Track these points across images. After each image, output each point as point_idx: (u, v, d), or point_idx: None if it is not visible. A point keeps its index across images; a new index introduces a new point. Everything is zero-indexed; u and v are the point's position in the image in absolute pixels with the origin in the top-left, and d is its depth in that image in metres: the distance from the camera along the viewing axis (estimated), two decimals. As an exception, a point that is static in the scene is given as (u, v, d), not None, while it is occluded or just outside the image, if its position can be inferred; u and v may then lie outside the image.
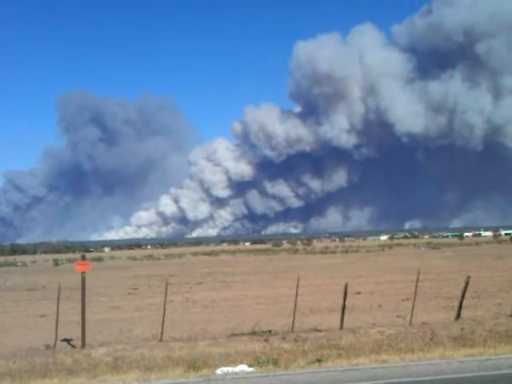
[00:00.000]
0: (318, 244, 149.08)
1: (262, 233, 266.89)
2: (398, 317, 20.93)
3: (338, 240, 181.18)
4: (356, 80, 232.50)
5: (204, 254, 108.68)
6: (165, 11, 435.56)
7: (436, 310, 22.63)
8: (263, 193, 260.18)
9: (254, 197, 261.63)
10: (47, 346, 16.96)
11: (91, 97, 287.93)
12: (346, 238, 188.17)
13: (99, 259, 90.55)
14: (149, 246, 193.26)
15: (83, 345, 16.81)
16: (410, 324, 18.71)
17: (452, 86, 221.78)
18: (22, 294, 37.01)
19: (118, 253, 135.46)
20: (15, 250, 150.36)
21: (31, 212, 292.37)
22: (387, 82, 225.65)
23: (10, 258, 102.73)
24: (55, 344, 17.08)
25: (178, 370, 13.52)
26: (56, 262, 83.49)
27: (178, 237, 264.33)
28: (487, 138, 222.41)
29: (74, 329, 18.96)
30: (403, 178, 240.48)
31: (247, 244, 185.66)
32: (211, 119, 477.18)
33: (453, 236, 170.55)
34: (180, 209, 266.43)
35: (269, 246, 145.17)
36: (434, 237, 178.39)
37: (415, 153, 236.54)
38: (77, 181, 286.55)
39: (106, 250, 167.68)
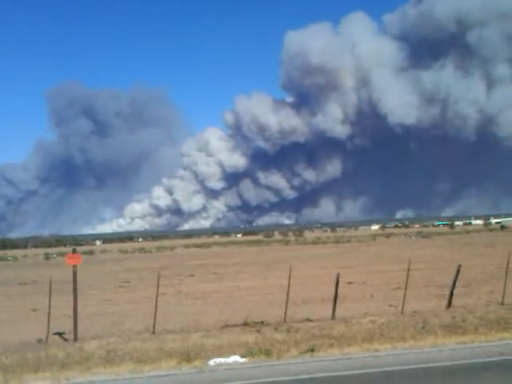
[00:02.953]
0: (309, 235, 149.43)
1: (254, 224, 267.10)
2: (389, 306, 21.02)
3: (329, 230, 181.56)
4: (348, 70, 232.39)
5: (196, 246, 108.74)
6: (154, 2, 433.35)
7: (427, 299, 22.73)
8: (257, 183, 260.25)
9: (247, 187, 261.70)
10: (39, 340, 16.92)
11: (82, 89, 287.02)
12: (338, 229, 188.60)
13: (90, 253, 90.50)
14: (140, 239, 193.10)
15: (75, 338, 16.80)
16: (402, 313, 18.80)
17: (444, 76, 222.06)
18: (13, 288, 36.94)
19: (109, 246, 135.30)
20: (6, 244, 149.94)
21: (24, 205, 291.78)
22: (379, 72, 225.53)
23: (1, 253, 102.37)
24: (47, 338, 17.05)
25: (171, 361, 13.53)
26: (47, 256, 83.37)
27: (172, 228, 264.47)
28: (480, 129, 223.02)
29: (66, 322, 18.94)
30: (396, 167, 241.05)
31: (239, 236, 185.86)
32: (202, 109, 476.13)
33: (443, 225, 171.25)
34: (174, 200, 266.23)
35: (260, 237, 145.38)
36: (425, 226, 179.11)
37: (408, 143, 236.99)
38: (69, 174, 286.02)
39: (98, 243, 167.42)
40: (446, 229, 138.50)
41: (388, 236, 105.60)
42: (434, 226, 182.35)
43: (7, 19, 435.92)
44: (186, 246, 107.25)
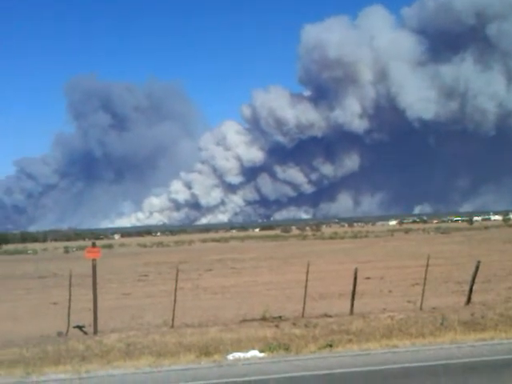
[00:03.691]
0: (327, 229, 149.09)
1: (272, 219, 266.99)
2: (408, 302, 20.94)
3: (347, 225, 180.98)
4: (366, 64, 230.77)
5: (213, 240, 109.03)
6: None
7: (446, 295, 22.62)
8: (274, 178, 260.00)
9: (265, 182, 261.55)
10: (59, 333, 17.07)
11: (99, 82, 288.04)
12: (355, 224, 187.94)
13: (109, 246, 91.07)
14: (158, 233, 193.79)
15: (95, 331, 16.94)
16: (421, 309, 18.73)
17: (463, 70, 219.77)
18: (33, 281, 37.32)
19: (127, 240, 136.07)
20: (26, 238, 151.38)
21: (43, 199, 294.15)
22: (397, 66, 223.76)
23: (21, 246, 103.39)
24: (67, 331, 17.20)
25: (190, 355, 13.60)
26: (66, 250, 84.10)
27: (190, 222, 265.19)
28: (499, 123, 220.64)
29: (85, 315, 19.11)
30: (414, 162, 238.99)
31: (256, 230, 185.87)
32: (220, 103, 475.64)
33: (462, 220, 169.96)
34: (192, 195, 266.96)
35: (278, 232, 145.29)
36: (444, 221, 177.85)
37: (427, 137, 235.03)
38: (88, 167, 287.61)
39: (116, 237, 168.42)
40: (465, 224, 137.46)
41: (407, 231, 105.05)
42: (452, 221, 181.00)
43: (25, 15, 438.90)
44: (204, 241, 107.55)
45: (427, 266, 19.96)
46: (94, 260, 17.52)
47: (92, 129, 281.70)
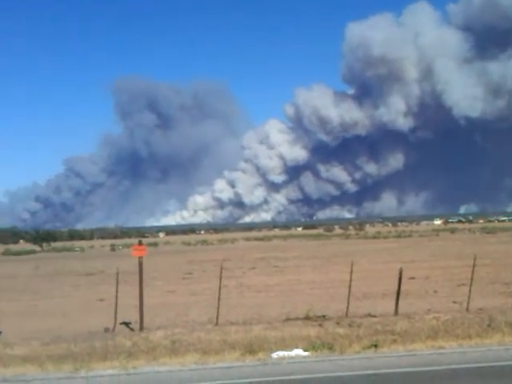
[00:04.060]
0: (370, 229, 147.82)
1: (315, 218, 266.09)
2: (453, 302, 20.65)
3: (390, 225, 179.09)
4: (411, 61, 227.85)
5: (256, 239, 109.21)
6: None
7: (493, 296, 22.23)
8: (318, 177, 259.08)
9: (308, 181, 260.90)
10: (106, 330, 17.38)
11: (145, 82, 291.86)
12: (399, 223, 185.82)
13: (154, 244, 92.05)
14: (202, 232, 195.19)
15: (141, 328, 17.19)
16: (467, 310, 18.47)
17: (511, 66, 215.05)
18: (81, 278, 38.04)
19: (172, 238, 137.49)
20: (73, 235, 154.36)
21: (91, 197, 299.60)
22: (443, 63, 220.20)
23: (68, 244, 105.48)
24: (114, 327, 17.50)
25: (235, 353, 13.71)
26: (113, 247, 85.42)
27: (234, 220, 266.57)
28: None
29: (131, 312, 19.40)
30: (460, 160, 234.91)
31: (299, 229, 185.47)
32: (263, 102, 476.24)
33: (509, 220, 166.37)
34: (236, 193, 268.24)
35: (321, 231, 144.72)
36: (490, 221, 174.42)
37: (473, 135, 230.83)
38: (134, 166, 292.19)
39: (161, 235, 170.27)
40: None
41: (453, 231, 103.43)
42: (498, 221, 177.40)
43: (76, 16, 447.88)
44: (247, 239, 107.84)
45: (474, 266, 19.64)
46: (140, 258, 17.78)
47: (138, 128, 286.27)
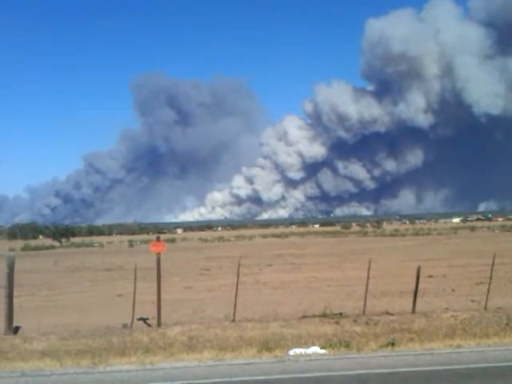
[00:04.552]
0: (388, 226, 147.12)
1: (332, 215, 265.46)
2: (472, 301, 20.53)
3: (408, 222, 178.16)
4: (432, 57, 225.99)
5: (273, 236, 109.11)
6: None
7: (512, 295, 22.06)
8: (336, 173, 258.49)
9: (326, 177, 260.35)
10: (124, 325, 17.46)
11: (165, 79, 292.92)
12: (417, 221, 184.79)
13: (172, 240, 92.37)
14: (219, 228, 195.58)
15: (159, 324, 17.27)
16: (485, 308, 18.33)
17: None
18: (99, 274, 38.28)
19: (189, 234, 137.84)
20: (92, 231, 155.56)
21: (110, 193, 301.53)
22: (464, 60, 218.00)
23: (88, 239, 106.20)
24: (132, 323, 17.58)
25: (251, 350, 13.73)
26: (131, 243, 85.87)
27: (251, 217, 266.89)
28: None
29: (149, 308, 19.52)
30: (480, 158, 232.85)
31: (316, 226, 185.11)
32: (282, 98, 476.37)
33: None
34: (254, 190, 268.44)
35: (338, 228, 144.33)
36: (509, 219, 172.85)
37: (493, 132, 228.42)
38: (153, 162, 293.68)
39: (179, 231, 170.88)
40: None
41: (473, 229, 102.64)
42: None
43: (97, 12, 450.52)
44: (264, 236, 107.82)
45: (493, 264, 19.48)
46: (158, 254, 17.87)
47: (157, 125, 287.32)
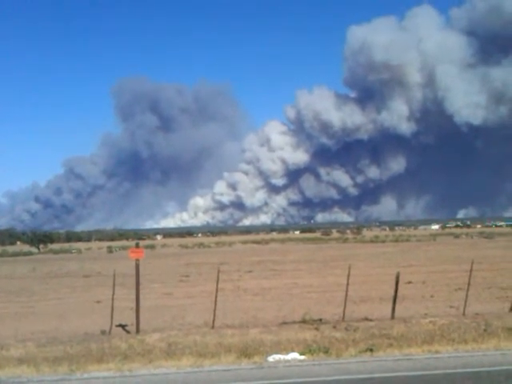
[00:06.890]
0: (367, 233, 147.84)
1: (312, 221, 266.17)
2: (450, 307, 20.68)
3: (388, 229, 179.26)
4: (414, 66, 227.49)
5: (254, 242, 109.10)
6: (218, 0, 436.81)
7: (490, 301, 22.23)
8: (319, 179, 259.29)
9: (308, 183, 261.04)
10: (103, 332, 17.36)
11: (147, 84, 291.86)
12: (397, 227, 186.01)
13: (152, 247, 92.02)
14: (200, 235, 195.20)
15: (137, 330, 17.17)
16: (463, 314, 18.46)
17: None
18: (78, 280, 37.97)
19: (169, 241, 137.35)
20: (71, 237, 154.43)
21: (91, 199, 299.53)
22: (446, 68, 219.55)
23: (66, 245, 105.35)
24: (110, 329, 17.47)
25: (231, 356, 13.69)
26: (110, 250, 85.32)
27: (234, 223, 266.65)
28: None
29: (128, 315, 19.40)
30: (460, 165, 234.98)
31: (297, 233, 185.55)
32: (264, 104, 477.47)
33: (507, 226, 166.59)
34: (237, 196, 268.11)
35: (318, 234, 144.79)
36: (487, 226, 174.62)
37: (474, 140, 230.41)
38: (135, 168, 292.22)
39: (159, 237, 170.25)
40: (510, 229, 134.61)
41: (457, 236, 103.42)
42: (496, 226, 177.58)
43: (77, 16, 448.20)
44: (244, 242, 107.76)
45: (471, 270, 19.65)
46: (137, 260, 17.77)
47: (139, 130, 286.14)
